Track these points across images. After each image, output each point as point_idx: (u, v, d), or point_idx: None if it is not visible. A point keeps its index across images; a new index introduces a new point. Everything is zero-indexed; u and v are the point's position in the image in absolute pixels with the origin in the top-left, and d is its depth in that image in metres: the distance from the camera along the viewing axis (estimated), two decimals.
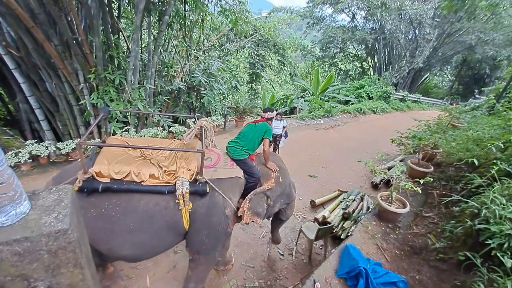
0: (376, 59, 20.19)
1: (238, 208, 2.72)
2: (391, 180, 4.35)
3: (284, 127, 6.41)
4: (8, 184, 1.12)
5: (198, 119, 2.69)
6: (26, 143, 5.26)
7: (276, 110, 6.64)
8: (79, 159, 2.17)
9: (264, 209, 2.82)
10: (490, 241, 2.56)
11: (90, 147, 2.58)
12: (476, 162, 3.85)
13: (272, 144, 6.70)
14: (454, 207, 3.83)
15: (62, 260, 1.19)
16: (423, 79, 23.31)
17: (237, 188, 2.68)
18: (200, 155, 2.29)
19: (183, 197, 2.28)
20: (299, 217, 4.86)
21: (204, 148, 2.37)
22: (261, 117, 3.29)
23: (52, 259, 1.17)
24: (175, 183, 2.29)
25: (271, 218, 3.49)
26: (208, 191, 2.41)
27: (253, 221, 2.76)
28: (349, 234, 4.08)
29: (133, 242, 2.30)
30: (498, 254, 2.38)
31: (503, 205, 2.79)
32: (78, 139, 5.71)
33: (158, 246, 2.49)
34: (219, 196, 2.51)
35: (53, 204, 1.26)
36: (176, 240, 2.56)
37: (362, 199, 5.11)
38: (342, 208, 4.83)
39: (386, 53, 19.23)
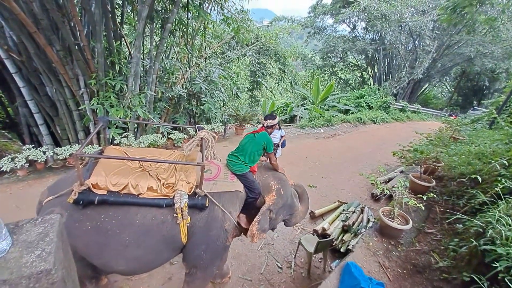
0: (376, 69, 20.37)
1: (237, 223, 2.65)
2: (393, 194, 4.29)
3: (282, 137, 6.33)
4: None
5: (198, 130, 2.64)
6: (23, 147, 5.20)
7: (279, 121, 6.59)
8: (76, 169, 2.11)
9: (268, 224, 2.79)
10: (496, 264, 2.49)
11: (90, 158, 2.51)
12: (480, 179, 3.79)
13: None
14: (457, 224, 3.76)
15: None
16: (422, 89, 23.50)
17: (237, 202, 2.61)
18: (200, 168, 2.23)
19: (181, 211, 2.21)
20: (298, 228, 4.78)
21: (204, 161, 2.31)
22: (262, 125, 3.16)
23: None
24: (174, 196, 2.23)
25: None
26: (207, 205, 2.34)
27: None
28: (349, 247, 4.00)
29: (129, 257, 2.22)
30: (506, 280, 2.30)
31: (510, 225, 2.73)
32: (77, 144, 5.65)
33: (155, 261, 2.41)
34: (219, 210, 2.44)
35: (37, 239, 1.17)
36: (173, 254, 2.49)
37: (362, 211, 5.04)
38: (342, 220, 4.75)
39: (386, 63, 19.42)
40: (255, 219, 2.63)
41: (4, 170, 4.72)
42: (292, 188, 3.13)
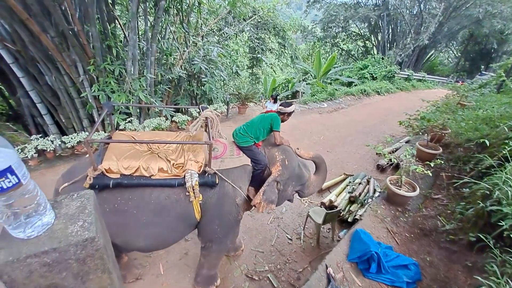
0: (379, 38, 19.56)
1: (248, 196, 2.72)
2: (400, 163, 4.31)
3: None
4: (33, 196, 1.09)
5: (202, 110, 2.65)
6: (31, 138, 5.25)
7: (276, 95, 6.50)
8: (87, 155, 2.16)
9: (276, 195, 2.80)
10: (502, 223, 2.55)
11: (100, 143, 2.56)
12: (488, 143, 3.76)
13: None
14: (464, 189, 3.81)
15: (91, 267, 1.20)
16: (428, 56, 22.66)
17: (245, 176, 2.68)
18: (208, 147, 2.27)
19: (193, 189, 2.29)
20: (306, 202, 4.89)
21: (211, 139, 2.34)
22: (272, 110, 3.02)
23: (81, 267, 1.17)
24: (184, 175, 2.30)
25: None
26: (217, 182, 2.41)
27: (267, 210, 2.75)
28: (356, 217, 4.11)
29: (147, 235, 2.35)
30: (511, 236, 2.37)
31: None
32: (83, 132, 5.69)
33: (171, 237, 2.55)
34: (229, 186, 2.52)
35: (77, 212, 1.26)
36: (188, 230, 2.62)
37: (368, 182, 5.11)
38: (349, 192, 4.84)
39: (390, 31, 18.62)
40: (260, 189, 2.69)
41: None
42: (308, 158, 3.09)
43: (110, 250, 1.49)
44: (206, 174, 2.39)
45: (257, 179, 2.76)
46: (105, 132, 5.76)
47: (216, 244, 2.73)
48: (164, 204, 2.29)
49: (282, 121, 2.90)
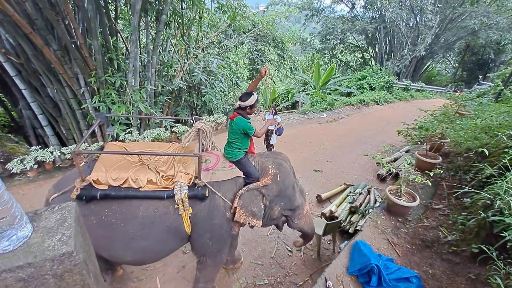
0: (377, 49, 19.85)
1: None
2: (399, 172, 4.28)
3: (278, 123, 6.29)
4: (7, 208, 1.06)
5: (195, 121, 2.63)
6: (31, 149, 5.27)
7: (275, 106, 6.51)
8: (82, 165, 2.16)
9: (261, 209, 2.57)
10: (505, 233, 2.50)
11: (90, 154, 2.54)
12: (487, 152, 3.75)
13: (265, 140, 6.59)
14: (465, 198, 3.76)
15: (69, 283, 1.16)
16: (425, 67, 22.94)
17: (237, 189, 2.58)
18: (198, 159, 2.23)
19: (182, 202, 2.25)
20: None
21: (201, 151, 2.31)
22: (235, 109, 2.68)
23: (59, 282, 1.13)
24: (174, 188, 2.26)
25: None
26: (207, 195, 2.37)
27: (249, 224, 2.53)
28: (357, 228, 4.05)
29: (135, 248, 2.29)
30: None
31: None
32: (83, 143, 5.71)
33: (161, 251, 2.49)
34: (220, 199, 2.46)
35: (56, 224, 1.22)
36: (180, 243, 2.56)
37: (369, 192, 5.06)
38: (349, 202, 4.79)
39: (387, 42, 18.91)
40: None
41: (15, 172, 4.82)
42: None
43: (93, 265, 1.44)
44: (196, 187, 2.34)
45: None
46: (104, 142, 5.78)
47: (210, 258, 2.65)
48: (153, 217, 2.24)
49: (249, 114, 2.66)
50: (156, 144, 2.88)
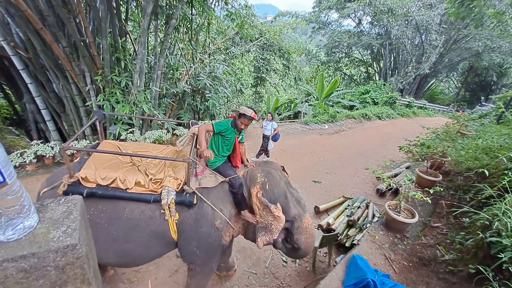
0: (381, 64, 20.10)
1: (238, 220, 2.54)
2: (399, 188, 4.27)
3: (274, 129, 6.31)
4: (17, 197, 1.07)
5: (192, 125, 2.61)
6: (31, 143, 5.29)
7: (271, 114, 6.54)
8: (74, 161, 2.14)
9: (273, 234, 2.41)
10: (501, 255, 2.48)
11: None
12: (487, 173, 3.75)
13: (261, 147, 6.59)
14: (463, 218, 3.74)
15: (70, 276, 1.15)
16: (429, 85, 23.18)
17: (226, 198, 2.47)
18: (187, 165, 2.17)
19: (168, 208, 2.19)
20: None
21: (192, 156, 2.24)
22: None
23: (60, 275, 1.12)
24: (161, 192, 2.21)
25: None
26: (195, 202, 2.30)
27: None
28: (354, 242, 4.00)
29: (117, 251, 2.23)
30: (510, 269, 2.30)
31: None
32: (84, 139, 5.73)
33: (145, 255, 2.40)
34: (208, 207, 2.37)
35: (62, 217, 1.22)
36: (166, 249, 2.47)
37: (367, 206, 5.03)
38: (347, 215, 4.75)
39: (392, 59, 19.15)
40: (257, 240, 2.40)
41: (13, 165, 4.82)
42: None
43: (93, 260, 1.44)
44: (184, 193, 2.27)
45: (244, 201, 2.51)
46: (106, 139, 5.79)
47: (199, 266, 2.55)
48: (138, 220, 2.19)
49: (239, 125, 2.60)
50: (151, 146, 2.83)
